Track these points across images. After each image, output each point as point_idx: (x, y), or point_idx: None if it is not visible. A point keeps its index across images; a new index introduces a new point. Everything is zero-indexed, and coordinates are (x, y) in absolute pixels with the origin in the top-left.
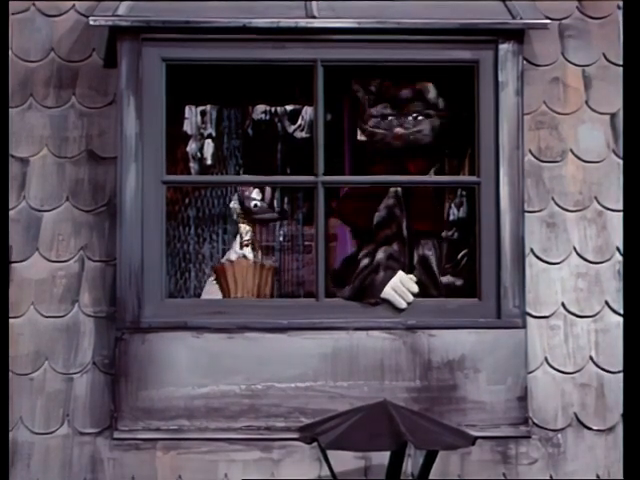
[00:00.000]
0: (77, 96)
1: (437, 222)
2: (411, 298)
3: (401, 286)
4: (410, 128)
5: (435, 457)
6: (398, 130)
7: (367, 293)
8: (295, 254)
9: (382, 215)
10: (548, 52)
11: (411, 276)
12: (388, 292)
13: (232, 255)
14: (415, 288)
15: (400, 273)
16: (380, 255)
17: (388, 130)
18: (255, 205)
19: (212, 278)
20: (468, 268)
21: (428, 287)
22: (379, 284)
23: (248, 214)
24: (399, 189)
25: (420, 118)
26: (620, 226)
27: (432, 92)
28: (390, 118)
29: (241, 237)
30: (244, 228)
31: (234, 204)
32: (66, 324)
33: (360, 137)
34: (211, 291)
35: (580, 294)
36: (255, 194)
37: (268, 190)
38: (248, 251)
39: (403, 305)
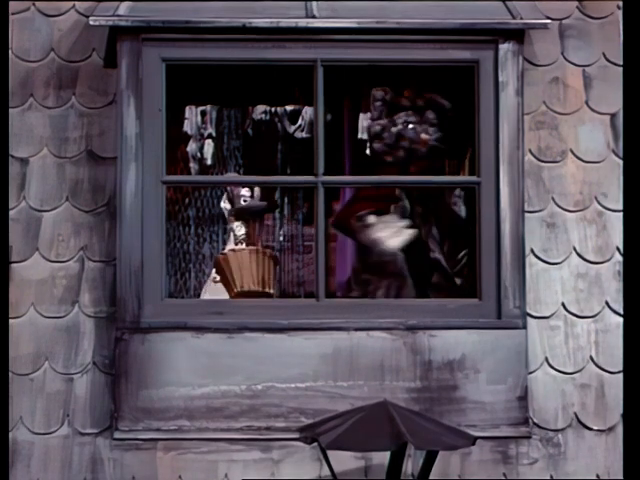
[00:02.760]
0: (77, 96)
1: (443, 224)
2: (403, 222)
3: (387, 234)
4: (432, 134)
5: (435, 457)
6: (424, 136)
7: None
8: (295, 254)
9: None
10: (548, 52)
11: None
12: (391, 243)
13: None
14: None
15: (376, 228)
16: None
17: (414, 136)
18: (245, 201)
19: (212, 277)
20: (468, 268)
21: (443, 289)
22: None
23: (239, 211)
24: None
25: (436, 127)
26: (620, 226)
27: (445, 101)
28: (413, 125)
29: (235, 234)
30: (236, 225)
31: (224, 203)
32: (66, 324)
33: (376, 144)
34: (211, 290)
35: (580, 294)
36: (244, 191)
37: (257, 188)
38: (244, 246)
39: (407, 235)
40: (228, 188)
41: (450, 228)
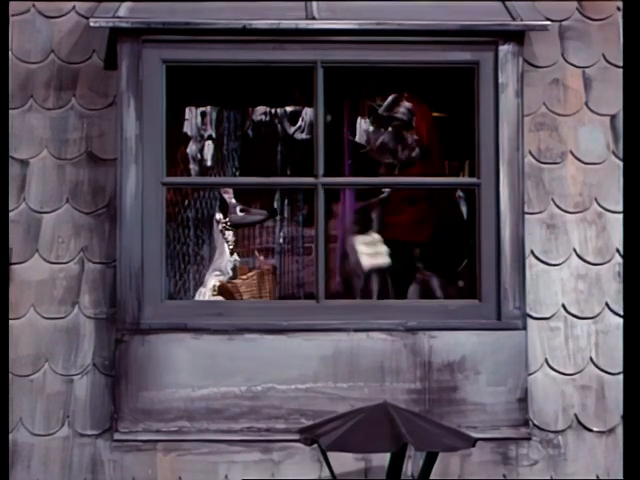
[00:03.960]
0: (77, 98)
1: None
2: (383, 249)
3: (365, 248)
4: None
5: (435, 459)
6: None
7: (354, 278)
8: (295, 256)
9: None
10: (548, 53)
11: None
12: (365, 261)
13: (228, 265)
14: (376, 236)
15: (357, 240)
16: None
17: (412, 138)
18: (242, 210)
19: (210, 291)
20: (468, 270)
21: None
22: (353, 264)
23: (232, 219)
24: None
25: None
26: (620, 228)
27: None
28: (411, 128)
29: (228, 244)
30: (229, 234)
31: (218, 215)
32: (66, 326)
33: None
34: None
35: (580, 295)
36: (240, 206)
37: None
38: (236, 256)
39: (383, 261)
40: (219, 195)
41: (450, 230)
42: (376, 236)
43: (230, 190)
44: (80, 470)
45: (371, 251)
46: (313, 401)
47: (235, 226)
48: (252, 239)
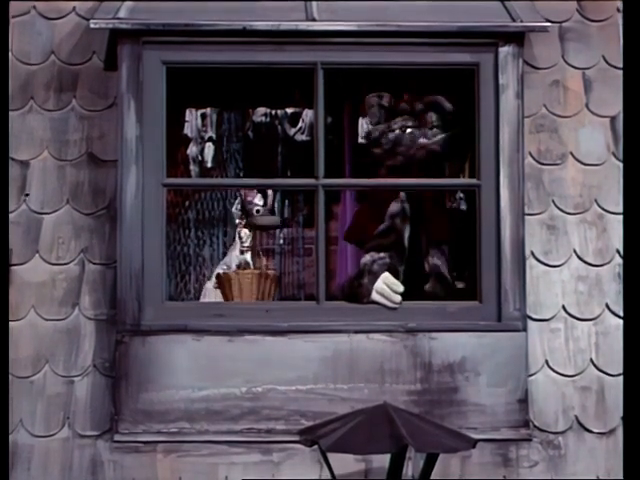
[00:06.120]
0: (77, 99)
1: (445, 229)
2: (398, 299)
3: (386, 288)
4: (431, 138)
5: (436, 460)
6: (422, 141)
7: (356, 298)
8: (295, 257)
9: (385, 224)
10: (548, 55)
11: (394, 280)
12: (374, 295)
13: (234, 260)
14: (401, 288)
15: (384, 275)
16: (365, 259)
17: (412, 142)
18: (257, 211)
19: (213, 284)
20: (470, 271)
21: (443, 295)
22: (364, 289)
23: (250, 219)
24: (404, 198)
25: (436, 130)
26: (620, 229)
27: (447, 103)
28: (411, 130)
29: (241, 242)
30: (245, 233)
31: (236, 208)
32: (66, 327)
33: (376, 150)
34: (211, 294)
35: (580, 297)
36: (258, 199)
37: (270, 195)
38: (249, 257)
39: (391, 305)
40: (242, 194)
41: (450, 232)
42: (401, 286)
43: (254, 192)
44: (80, 471)
45: (386, 293)
46: (313, 402)
47: (250, 225)
48: (257, 240)
